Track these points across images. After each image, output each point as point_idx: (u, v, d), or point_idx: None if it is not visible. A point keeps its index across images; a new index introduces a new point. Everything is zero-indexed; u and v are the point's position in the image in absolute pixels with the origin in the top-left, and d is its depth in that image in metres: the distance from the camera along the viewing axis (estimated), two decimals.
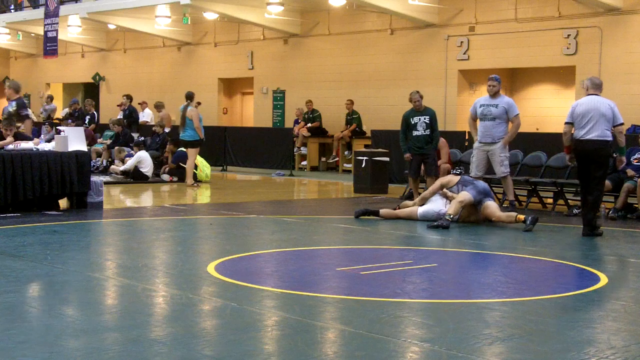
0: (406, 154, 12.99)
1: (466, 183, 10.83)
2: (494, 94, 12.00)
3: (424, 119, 12.83)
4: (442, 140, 13.58)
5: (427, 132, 12.84)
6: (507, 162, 12.09)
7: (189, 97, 16.34)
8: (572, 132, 9.83)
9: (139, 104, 22.35)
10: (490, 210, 10.64)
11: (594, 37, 17.28)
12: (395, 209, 11.26)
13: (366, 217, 11.12)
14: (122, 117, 20.57)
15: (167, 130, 18.60)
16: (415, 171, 12.96)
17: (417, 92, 13.01)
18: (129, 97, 21.38)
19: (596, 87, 9.91)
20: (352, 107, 20.66)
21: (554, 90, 19.88)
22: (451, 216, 10.32)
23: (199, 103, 17.14)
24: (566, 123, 9.86)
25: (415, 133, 12.85)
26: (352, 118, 20.65)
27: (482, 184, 10.95)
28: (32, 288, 6.57)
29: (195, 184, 16.15)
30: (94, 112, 22.45)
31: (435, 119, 13.01)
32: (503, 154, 11.96)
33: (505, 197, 12.53)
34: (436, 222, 10.29)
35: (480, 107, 12.06)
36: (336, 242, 9.63)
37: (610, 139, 9.72)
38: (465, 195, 10.60)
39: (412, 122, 12.85)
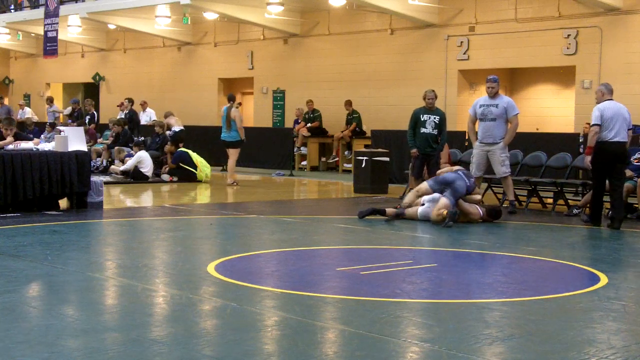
0: (413, 149, 12.99)
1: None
2: (493, 95, 12.01)
3: (434, 118, 12.87)
4: None
5: (435, 131, 12.87)
6: (508, 162, 12.10)
7: (231, 98, 16.40)
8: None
9: (140, 104, 22.32)
10: (435, 209, 10.59)
11: (594, 37, 17.28)
12: (396, 208, 11.22)
13: (371, 217, 11.06)
14: (122, 117, 20.54)
15: (177, 129, 18.41)
16: (418, 171, 12.97)
17: (433, 90, 13.09)
18: (131, 101, 21.33)
19: (611, 93, 10.72)
20: (352, 107, 20.66)
21: (554, 90, 19.88)
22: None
23: (239, 104, 17.14)
24: (596, 125, 10.45)
25: (423, 130, 12.87)
26: (352, 118, 20.65)
27: (442, 176, 10.89)
28: (32, 288, 6.57)
29: (235, 183, 16.20)
30: (94, 112, 22.42)
31: (445, 121, 13.08)
32: (504, 154, 11.97)
33: (505, 197, 12.53)
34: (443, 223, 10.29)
35: (480, 107, 12.07)
36: (336, 242, 9.63)
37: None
38: (422, 185, 10.85)
39: (422, 119, 12.88)
